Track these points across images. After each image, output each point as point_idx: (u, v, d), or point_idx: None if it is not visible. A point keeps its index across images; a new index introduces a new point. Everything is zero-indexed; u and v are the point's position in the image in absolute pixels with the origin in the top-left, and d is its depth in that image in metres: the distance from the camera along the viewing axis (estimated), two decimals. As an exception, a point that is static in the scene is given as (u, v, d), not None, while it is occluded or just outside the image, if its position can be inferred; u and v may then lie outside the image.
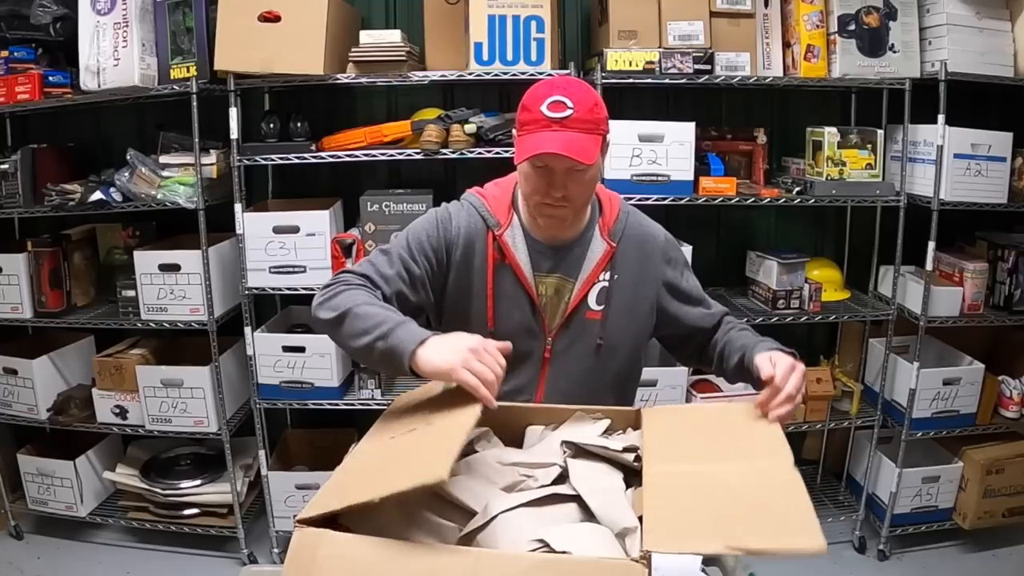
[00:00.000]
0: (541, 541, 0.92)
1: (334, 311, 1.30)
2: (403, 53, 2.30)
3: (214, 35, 2.25)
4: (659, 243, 1.51)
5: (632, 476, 1.11)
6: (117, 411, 2.55)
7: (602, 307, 1.45)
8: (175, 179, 2.38)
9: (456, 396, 1.16)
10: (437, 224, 1.44)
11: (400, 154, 2.34)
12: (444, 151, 2.32)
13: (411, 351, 1.19)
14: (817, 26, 2.37)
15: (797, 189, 2.46)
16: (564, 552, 0.89)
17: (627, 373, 1.54)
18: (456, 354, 1.15)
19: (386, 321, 1.24)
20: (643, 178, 2.31)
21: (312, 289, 2.37)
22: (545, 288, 1.43)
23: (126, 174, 2.41)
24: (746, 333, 1.49)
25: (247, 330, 2.44)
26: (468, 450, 1.17)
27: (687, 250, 2.38)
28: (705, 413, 1.30)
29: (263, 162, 2.38)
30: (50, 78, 2.39)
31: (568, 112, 1.29)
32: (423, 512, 1.00)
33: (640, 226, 1.50)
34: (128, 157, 2.42)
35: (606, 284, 1.44)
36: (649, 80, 2.31)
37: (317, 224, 2.35)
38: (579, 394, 1.40)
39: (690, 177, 2.34)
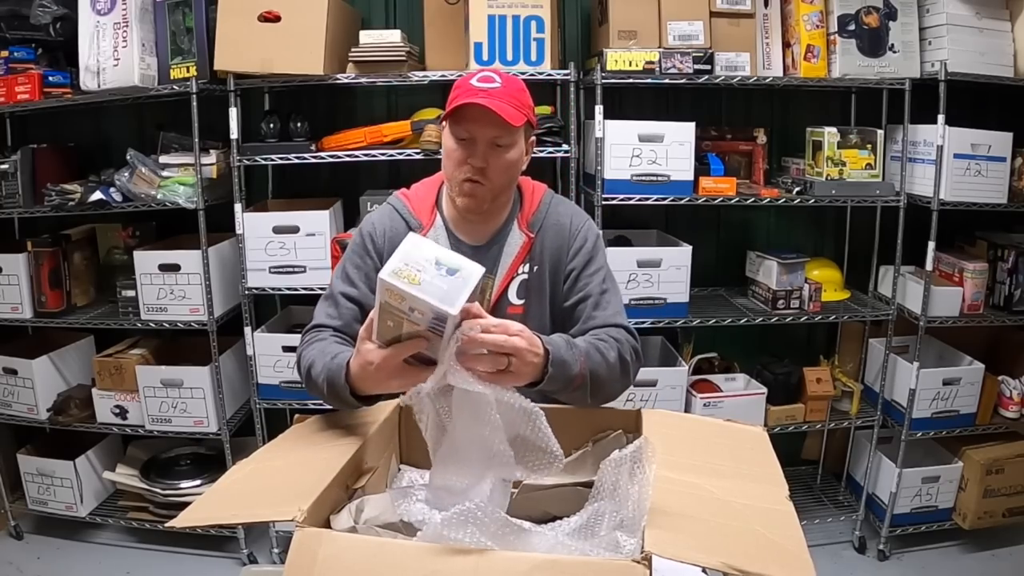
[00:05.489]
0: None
1: (300, 374, 1.33)
2: (403, 53, 2.30)
3: (214, 35, 2.25)
4: (574, 231, 1.46)
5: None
6: (117, 411, 2.55)
7: (523, 301, 1.43)
8: (175, 179, 2.38)
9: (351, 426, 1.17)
10: (363, 241, 1.44)
11: (400, 154, 2.34)
12: (444, 151, 2.32)
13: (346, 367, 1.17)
14: (817, 26, 2.37)
15: (797, 189, 2.46)
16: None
17: None
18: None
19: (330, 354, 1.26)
20: (643, 178, 2.31)
21: (312, 289, 2.38)
22: None
23: (126, 174, 2.41)
24: (590, 337, 1.34)
25: (247, 330, 2.44)
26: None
27: (687, 250, 2.39)
28: (706, 426, 1.29)
29: (263, 162, 2.39)
30: (50, 78, 2.39)
31: (495, 84, 1.32)
32: None
33: (560, 215, 1.48)
34: (128, 157, 2.42)
35: (526, 276, 1.43)
36: (649, 80, 2.31)
37: (317, 224, 2.35)
38: None
39: (690, 177, 2.34)
